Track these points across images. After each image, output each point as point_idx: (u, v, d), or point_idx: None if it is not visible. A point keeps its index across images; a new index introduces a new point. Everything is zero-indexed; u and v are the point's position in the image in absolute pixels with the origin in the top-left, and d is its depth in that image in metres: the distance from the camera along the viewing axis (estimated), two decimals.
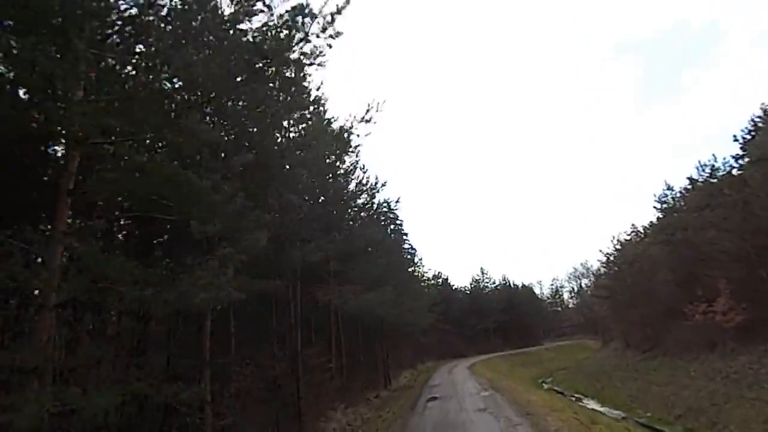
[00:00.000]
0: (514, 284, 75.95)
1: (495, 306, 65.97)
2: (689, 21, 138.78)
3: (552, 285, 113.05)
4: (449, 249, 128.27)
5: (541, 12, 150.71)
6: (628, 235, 37.99)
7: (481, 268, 70.05)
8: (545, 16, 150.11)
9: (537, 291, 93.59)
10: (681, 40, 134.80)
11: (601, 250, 40.14)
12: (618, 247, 37.73)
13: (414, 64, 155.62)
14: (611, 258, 37.42)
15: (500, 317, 65.12)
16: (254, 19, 8.31)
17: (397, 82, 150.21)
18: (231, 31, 8.23)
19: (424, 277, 56.64)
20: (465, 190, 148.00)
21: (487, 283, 69.26)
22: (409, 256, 56.70)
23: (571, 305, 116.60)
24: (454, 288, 63.50)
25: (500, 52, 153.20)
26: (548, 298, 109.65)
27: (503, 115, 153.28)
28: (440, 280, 59.99)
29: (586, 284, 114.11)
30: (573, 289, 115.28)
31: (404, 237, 58.20)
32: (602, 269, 43.19)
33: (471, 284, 67.93)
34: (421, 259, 57.07)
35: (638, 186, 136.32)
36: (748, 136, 26.44)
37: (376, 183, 26.48)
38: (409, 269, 54.47)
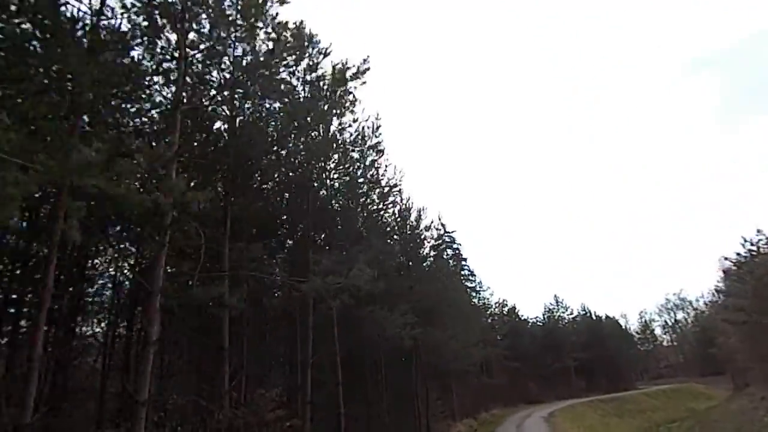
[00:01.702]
0: (596, 315, 63.55)
1: (575, 340, 54.36)
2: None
3: (640, 319, 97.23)
4: (517, 278, 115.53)
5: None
6: None
7: (556, 296, 58.84)
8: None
9: (622, 324, 79.16)
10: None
11: (726, 258, 29.41)
12: (755, 252, 26.99)
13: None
14: (744, 268, 26.69)
15: (582, 354, 53.33)
16: None
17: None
18: None
19: (487, 306, 47.46)
20: (536, 215, 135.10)
21: (563, 313, 57.91)
22: (468, 283, 48.54)
23: (665, 342, 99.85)
24: (523, 319, 53.11)
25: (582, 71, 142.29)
26: (637, 333, 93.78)
27: (574, 138, 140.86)
28: (506, 309, 50.12)
29: (683, 317, 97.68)
30: (666, 323, 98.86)
31: (463, 261, 50.41)
32: (728, 285, 31.93)
33: (544, 314, 56.95)
34: (481, 286, 47.88)
35: (729, 210, 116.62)
36: None
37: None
38: (470, 297, 46.22)
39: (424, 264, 22.40)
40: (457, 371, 28.11)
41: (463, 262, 49.70)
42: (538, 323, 56.27)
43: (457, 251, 50.09)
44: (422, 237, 21.37)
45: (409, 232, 21.06)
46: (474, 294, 47.01)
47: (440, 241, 49.12)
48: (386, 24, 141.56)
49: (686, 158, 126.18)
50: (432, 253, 28.93)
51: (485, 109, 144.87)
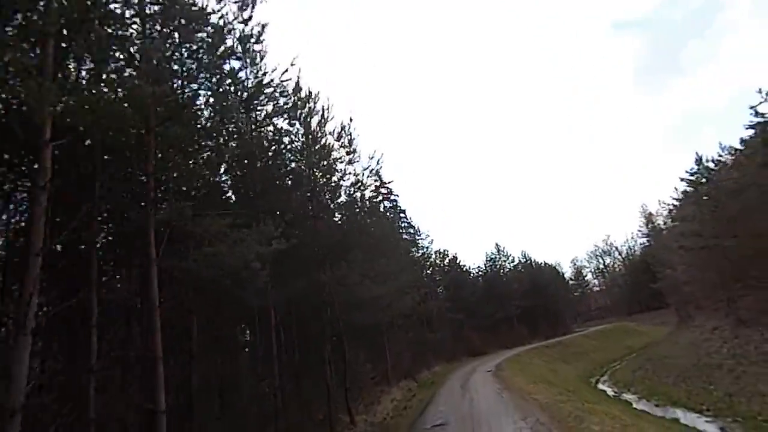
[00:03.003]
0: (536, 263, 62.08)
1: (516, 289, 52.19)
2: None
3: (573, 266, 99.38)
4: (457, 227, 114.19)
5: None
6: (727, 153, 24.21)
7: (497, 245, 56.14)
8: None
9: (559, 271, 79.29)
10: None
11: (683, 178, 26.54)
12: (710, 169, 24.21)
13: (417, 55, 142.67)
14: (700, 190, 23.86)
15: (524, 302, 51.36)
16: None
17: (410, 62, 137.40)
18: None
19: (427, 256, 43.47)
20: (467, 168, 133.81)
21: (504, 261, 55.48)
22: (407, 236, 44.22)
23: (594, 287, 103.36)
24: (465, 269, 49.91)
25: (500, 39, 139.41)
26: (571, 279, 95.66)
27: (506, 96, 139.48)
28: (446, 259, 46.51)
29: (611, 262, 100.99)
30: (597, 268, 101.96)
31: (401, 214, 45.90)
32: (682, 208, 29.54)
33: (486, 264, 54.19)
34: (419, 235, 43.70)
35: (648, 164, 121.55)
36: None
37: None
38: (408, 248, 41.99)
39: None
40: (390, 326, 23.65)
41: (402, 215, 45.36)
42: (480, 273, 53.49)
43: (394, 202, 45.49)
44: (329, 145, 15.79)
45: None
46: (413, 246, 42.94)
47: (376, 192, 44.53)
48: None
49: (610, 116, 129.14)
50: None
51: (427, 57, 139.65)
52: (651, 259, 39.54)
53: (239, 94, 12.01)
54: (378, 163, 16.96)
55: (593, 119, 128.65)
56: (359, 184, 17.23)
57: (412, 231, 44.29)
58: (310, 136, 15.50)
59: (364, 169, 17.18)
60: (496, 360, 32.60)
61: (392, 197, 45.42)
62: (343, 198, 17.68)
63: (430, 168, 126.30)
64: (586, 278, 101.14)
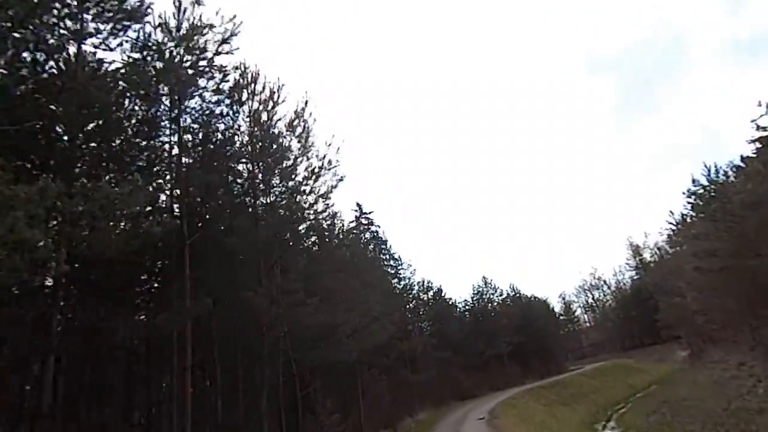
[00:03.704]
0: (525, 296, 58.32)
1: (506, 324, 48.13)
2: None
3: (561, 301, 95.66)
4: (441, 261, 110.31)
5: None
6: (731, 168, 21.48)
7: (484, 277, 52.43)
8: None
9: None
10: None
11: (690, 193, 23.64)
12: (718, 182, 21.33)
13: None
14: (714, 204, 20.85)
15: (515, 338, 47.24)
16: None
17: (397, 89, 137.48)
18: None
19: (409, 288, 39.69)
20: (451, 199, 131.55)
21: (492, 295, 51.60)
22: (389, 269, 40.65)
23: (584, 322, 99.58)
24: (450, 302, 45.86)
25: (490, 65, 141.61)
26: (561, 315, 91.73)
27: (489, 130, 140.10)
28: (431, 292, 42.55)
29: (600, 296, 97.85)
30: (586, 302, 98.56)
31: (383, 245, 42.65)
32: (684, 226, 26.83)
33: (473, 297, 50.23)
34: (400, 264, 40.14)
35: (629, 197, 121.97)
36: None
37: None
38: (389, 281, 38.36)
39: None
40: (364, 366, 19.61)
41: (383, 246, 41.89)
42: (467, 307, 49.48)
43: (375, 234, 42.14)
44: (276, 132, 12.43)
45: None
46: (393, 277, 39.23)
47: (356, 223, 41.26)
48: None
49: (590, 151, 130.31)
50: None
51: (416, 86, 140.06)
52: (653, 288, 36.29)
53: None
54: (337, 152, 13.63)
55: (574, 154, 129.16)
56: (313, 175, 13.72)
57: (393, 263, 40.80)
58: (254, 122, 12.19)
59: (320, 160, 13.70)
60: (488, 404, 28.33)
61: (373, 228, 42.42)
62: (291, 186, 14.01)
63: (412, 198, 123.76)
64: (575, 314, 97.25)
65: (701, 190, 21.62)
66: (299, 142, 12.81)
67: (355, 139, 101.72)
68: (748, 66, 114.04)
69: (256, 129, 12.26)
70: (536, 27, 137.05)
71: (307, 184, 13.11)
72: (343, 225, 29.68)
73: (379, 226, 41.67)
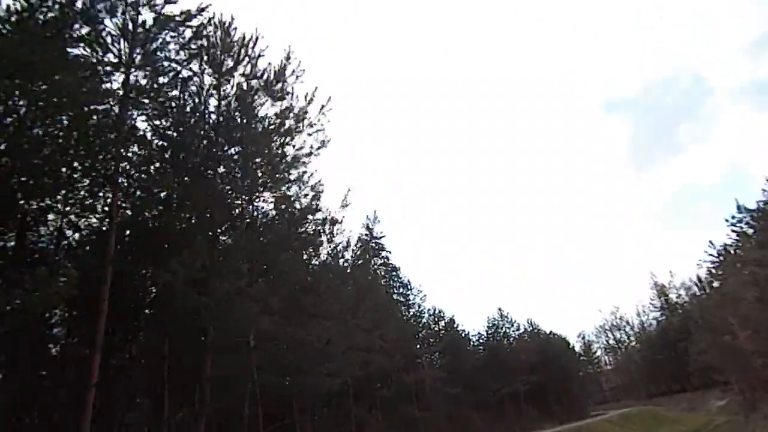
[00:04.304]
0: (544, 332, 54.06)
1: (524, 360, 44.06)
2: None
3: (581, 340, 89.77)
4: (454, 290, 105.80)
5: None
6: None
7: (500, 309, 48.67)
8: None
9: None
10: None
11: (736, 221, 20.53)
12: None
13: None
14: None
15: (532, 377, 43.04)
16: None
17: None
18: None
19: (419, 315, 36.43)
20: (467, 230, 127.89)
21: (509, 329, 47.63)
22: (401, 297, 37.73)
23: (605, 364, 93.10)
24: (463, 334, 42.11)
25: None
26: (580, 355, 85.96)
27: (507, 163, 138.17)
28: (442, 322, 39.03)
29: (622, 337, 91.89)
30: (607, 343, 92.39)
31: (394, 272, 39.93)
32: (737, 247, 23.52)
33: (487, 330, 46.33)
34: (410, 290, 37.13)
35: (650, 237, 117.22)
36: None
37: None
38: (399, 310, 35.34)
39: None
40: (361, 399, 16.52)
41: (394, 272, 39.08)
42: (482, 340, 45.58)
43: (386, 259, 39.44)
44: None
45: None
46: (405, 307, 36.12)
47: (364, 247, 38.83)
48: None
49: (610, 192, 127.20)
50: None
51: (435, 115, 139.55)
52: (693, 326, 32.22)
53: None
54: (322, 113, 10.93)
55: (594, 192, 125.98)
56: (287, 136, 11.11)
57: (402, 289, 37.81)
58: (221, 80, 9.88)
59: (299, 115, 11.04)
60: None
61: (384, 253, 39.72)
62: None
63: (428, 227, 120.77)
64: (596, 354, 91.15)
65: (763, 209, 18.50)
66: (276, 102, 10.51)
67: (367, 155, 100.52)
68: None
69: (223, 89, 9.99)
70: (554, 61, 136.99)
71: (279, 141, 10.59)
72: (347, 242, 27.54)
73: (390, 252, 39.01)
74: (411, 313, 35.26)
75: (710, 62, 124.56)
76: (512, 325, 48.04)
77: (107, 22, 8.25)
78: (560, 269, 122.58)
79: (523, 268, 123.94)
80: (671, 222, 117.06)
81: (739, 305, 20.46)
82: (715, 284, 29.26)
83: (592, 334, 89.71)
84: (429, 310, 37.78)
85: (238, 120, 10.19)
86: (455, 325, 40.50)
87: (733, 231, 28.43)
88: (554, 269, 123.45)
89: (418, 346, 33.94)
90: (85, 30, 8.12)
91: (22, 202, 8.69)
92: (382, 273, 37.80)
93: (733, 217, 28.33)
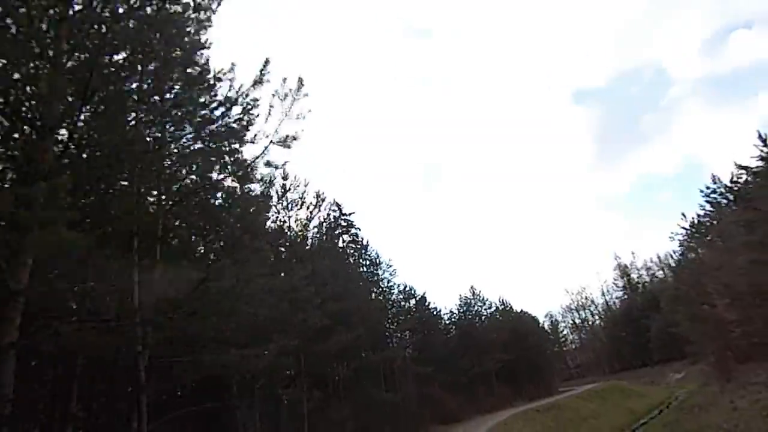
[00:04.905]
0: (515, 311, 53.30)
1: (496, 339, 42.99)
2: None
3: (548, 320, 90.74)
4: (425, 267, 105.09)
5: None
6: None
7: (472, 287, 47.42)
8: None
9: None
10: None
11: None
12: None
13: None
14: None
15: (504, 355, 42.06)
16: None
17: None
18: None
19: (388, 291, 34.47)
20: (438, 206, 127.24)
21: (481, 307, 46.46)
22: (371, 276, 35.50)
23: (571, 342, 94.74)
24: (435, 313, 40.55)
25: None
26: (548, 334, 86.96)
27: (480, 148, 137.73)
28: (413, 300, 37.21)
29: (587, 316, 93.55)
30: (573, 323, 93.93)
31: (364, 250, 37.69)
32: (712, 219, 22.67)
33: (459, 308, 44.97)
34: (378, 265, 35.10)
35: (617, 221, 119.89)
36: None
37: None
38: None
39: None
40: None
41: (364, 250, 36.82)
42: (454, 318, 44.17)
43: (355, 236, 37.10)
44: None
45: None
46: (373, 284, 34.02)
47: (334, 223, 36.45)
48: None
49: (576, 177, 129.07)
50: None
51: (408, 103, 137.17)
52: (668, 297, 31.52)
53: None
54: None
55: (562, 179, 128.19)
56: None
57: (373, 268, 35.63)
58: None
59: None
60: (477, 431, 23.05)
61: (353, 230, 37.48)
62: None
63: (400, 208, 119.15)
64: (563, 333, 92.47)
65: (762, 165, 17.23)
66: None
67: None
68: (727, 103, 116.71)
69: None
70: (525, 50, 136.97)
71: None
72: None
73: (360, 229, 36.72)
74: (380, 289, 33.23)
75: (672, 56, 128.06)
76: (484, 304, 46.85)
77: None
78: (530, 251, 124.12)
79: (494, 250, 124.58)
80: (633, 208, 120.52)
81: (720, 273, 19.49)
82: (691, 255, 28.52)
83: (559, 314, 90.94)
84: (399, 285, 35.83)
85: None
86: (426, 303, 38.78)
87: (707, 202, 27.72)
88: (525, 251, 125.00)
89: (387, 324, 32.03)
90: None
91: None
92: (351, 251, 35.69)
93: (707, 188, 27.59)
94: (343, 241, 36.12)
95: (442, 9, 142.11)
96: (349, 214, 36.70)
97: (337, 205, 36.12)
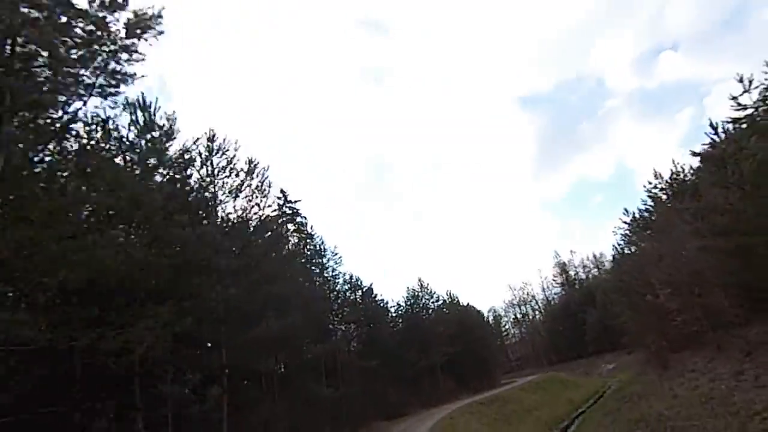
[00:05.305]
0: (462, 304, 53.19)
1: (442, 332, 42.41)
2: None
3: (490, 315, 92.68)
4: (373, 259, 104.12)
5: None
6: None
7: (420, 280, 46.58)
8: None
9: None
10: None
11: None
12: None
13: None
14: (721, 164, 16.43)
15: (451, 348, 41.63)
16: None
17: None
18: None
19: (332, 279, 32.69)
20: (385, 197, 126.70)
21: (428, 300, 45.73)
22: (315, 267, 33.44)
23: (513, 336, 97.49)
24: (382, 305, 39.23)
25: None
26: (492, 328, 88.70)
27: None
28: (359, 291, 35.66)
29: (527, 311, 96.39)
30: (515, 317, 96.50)
31: (309, 239, 35.62)
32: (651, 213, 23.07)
33: (407, 301, 43.98)
34: (333, 257, 33.30)
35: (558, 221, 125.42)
36: None
37: None
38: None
39: None
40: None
41: (309, 240, 34.72)
42: (401, 311, 43.09)
43: (300, 225, 34.93)
44: None
45: None
46: (317, 275, 32.05)
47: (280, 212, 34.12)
48: None
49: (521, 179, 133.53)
50: None
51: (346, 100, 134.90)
52: (612, 288, 32.02)
53: None
54: None
55: (507, 181, 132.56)
56: None
57: (318, 259, 33.63)
58: None
59: None
60: (422, 426, 21.90)
61: (299, 219, 35.34)
62: None
63: (349, 202, 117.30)
64: (505, 327, 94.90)
65: (709, 150, 17.20)
66: None
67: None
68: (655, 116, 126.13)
69: None
70: (474, 55, 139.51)
71: None
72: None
73: (306, 218, 34.64)
74: (324, 278, 31.38)
75: (610, 69, 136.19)
76: (432, 297, 46.18)
77: None
78: (476, 249, 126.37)
79: (442, 246, 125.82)
80: (570, 209, 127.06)
81: (663, 264, 19.60)
82: (632, 249, 29.07)
83: (501, 309, 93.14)
84: (344, 275, 34.17)
85: None
86: (373, 295, 37.36)
87: (649, 197, 28.32)
88: (471, 249, 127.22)
89: (331, 315, 30.29)
90: None
91: None
92: (296, 239, 33.59)
93: (649, 182, 28.14)
94: (287, 230, 34.05)
95: (397, 7, 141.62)
96: (295, 202, 34.61)
97: (282, 192, 33.94)
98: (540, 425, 27.98)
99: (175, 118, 15.19)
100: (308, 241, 34.05)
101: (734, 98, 17.24)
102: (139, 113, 16.01)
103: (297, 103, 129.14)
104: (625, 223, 31.22)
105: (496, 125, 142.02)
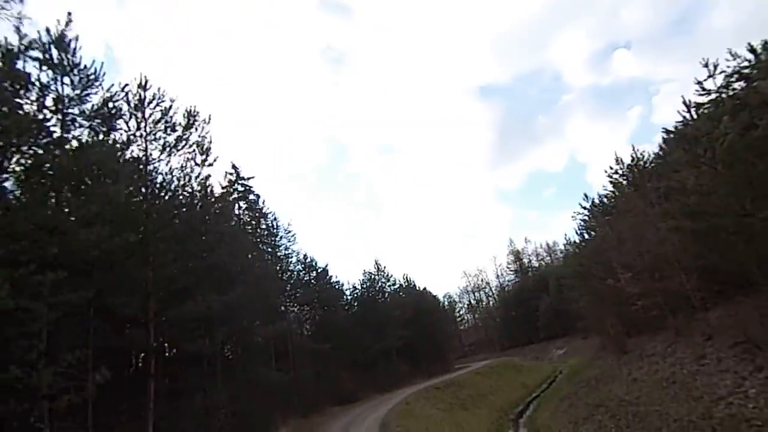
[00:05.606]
0: (418, 288, 52.52)
1: (398, 316, 41.43)
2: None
3: (445, 300, 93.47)
4: (328, 239, 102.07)
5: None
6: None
7: (377, 263, 45.33)
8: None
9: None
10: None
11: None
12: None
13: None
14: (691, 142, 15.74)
15: (406, 332, 40.79)
16: None
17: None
18: None
19: (285, 259, 30.78)
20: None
21: (384, 283, 44.61)
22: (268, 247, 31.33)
23: (467, 322, 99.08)
24: (336, 285, 37.56)
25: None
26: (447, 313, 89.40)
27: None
28: (314, 270, 33.84)
29: (481, 298, 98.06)
30: (470, 303, 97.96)
31: (262, 218, 33.01)
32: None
33: (363, 284, 42.67)
34: (286, 235, 31.33)
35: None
36: None
37: None
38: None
39: None
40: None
41: (263, 219, 32.45)
42: (356, 293, 41.70)
43: (252, 203, 32.53)
44: None
45: None
46: (272, 256, 29.99)
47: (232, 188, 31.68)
48: None
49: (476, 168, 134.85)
50: None
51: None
52: (572, 273, 32.18)
53: None
54: None
55: (466, 168, 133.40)
56: None
57: (271, 238, 31.48)
58: None
59: None
60: (377, 411, 20.71)
61: (252, 196, 32.92)
62: None
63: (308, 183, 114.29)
64: (460, 313, 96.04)
65: (678, 130, 16.71)
66: None
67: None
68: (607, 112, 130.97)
69: None
70: (434, 44, 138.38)
71: None
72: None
73: (259, 196, 32.31)
74: (275, 257, 29.40)
75: (566, 64, 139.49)
76: (388, 280, 45.09)
77: None
78: (433, 235, 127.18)
79: (400, 232, 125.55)
80: (524, 199, 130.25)
81: (624, 249, 19.35)
82: (592, 234, 29.06)
83: (456, 295, 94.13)
84: (298, 254, 32.31)
85: None
86: (328, 277, 35.70)
87: (610, 182, 28.26)
88: (428, 235, 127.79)
89: (283, 297, 28.42)
90: None
91: None
92: (248, 218, 31.29)
93: (610, 167, 28.00)
94: (239, 208, 31.68)
95: None
96: (248, 179, 32.13)
97: (234, 167, 31.43)
98: (496, 409, 27.69)
99: (102, 63, 12.75)
100: (261, 220, 31.92)
101: (699, 83, 16.96)
102: (55, 51, 13.43)
103: (254, 80, 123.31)
104: (585, 208, 31.24)
105: (455, 114, 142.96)
